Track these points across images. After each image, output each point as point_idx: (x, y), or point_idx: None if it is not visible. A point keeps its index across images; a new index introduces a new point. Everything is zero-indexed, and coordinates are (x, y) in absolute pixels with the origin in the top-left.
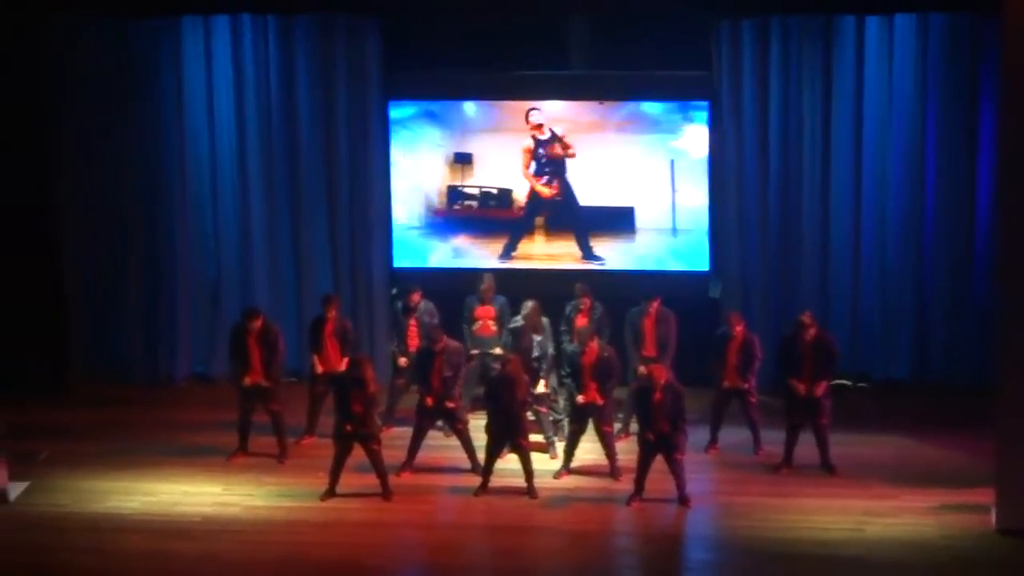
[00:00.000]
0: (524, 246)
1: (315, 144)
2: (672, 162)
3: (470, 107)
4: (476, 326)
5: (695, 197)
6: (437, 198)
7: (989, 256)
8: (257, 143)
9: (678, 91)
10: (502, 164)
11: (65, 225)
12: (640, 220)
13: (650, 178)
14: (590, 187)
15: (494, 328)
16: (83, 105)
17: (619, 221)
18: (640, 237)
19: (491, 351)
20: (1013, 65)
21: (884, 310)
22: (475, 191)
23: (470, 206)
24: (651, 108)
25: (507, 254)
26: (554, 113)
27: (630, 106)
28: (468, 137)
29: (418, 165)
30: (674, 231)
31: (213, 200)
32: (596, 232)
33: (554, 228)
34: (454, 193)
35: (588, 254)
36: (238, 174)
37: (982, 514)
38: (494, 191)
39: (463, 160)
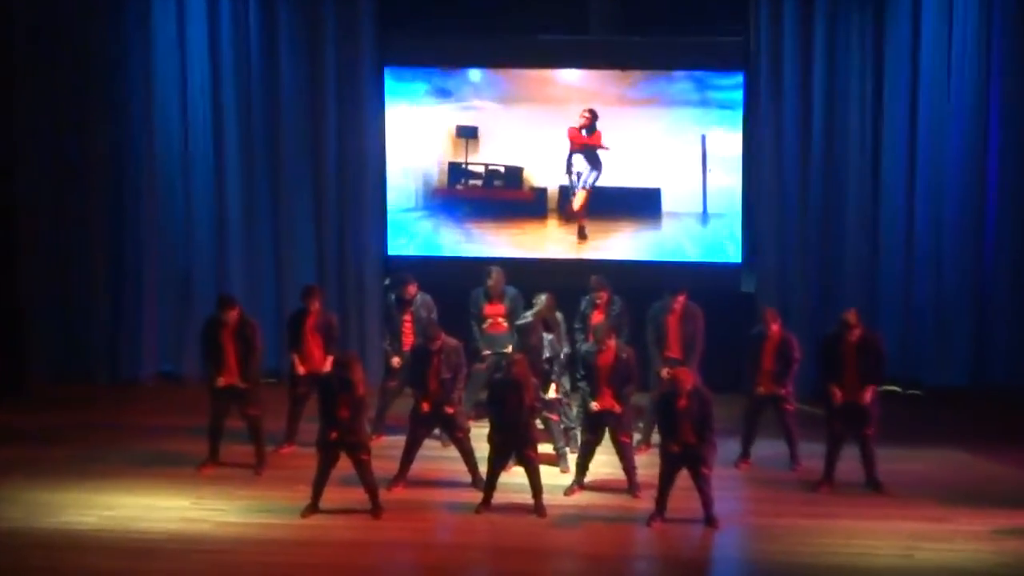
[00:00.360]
0: (535, 231)
1: (300, 117)
2: (703, 137)
3: (475, 75)
4: (486, 324)
5: (727, 179)
6: (437, 176)
7: None
8: (235, 115)
9: (710, 60)
10: (511, 139)
11: (22, 212)
12: (667, 203)
13: (678, 157)
14: (611, 167)
15: (506, 325)
16: (44, 78)
17: (643, 204)
18: (666, 222)
19: (504, 350)
20: None
21: (939, 308)
22: (480, 169)
23: (475, 186)
24: (679, 78)
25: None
26: (571, 83)
27: (656, 76)
28: (473, 109)
29: (416, 140)
30: (704, 216)
31: (184, 181)
32: (618, 216)
33: (567, 212)
34: (456, 171)
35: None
36: (213, 152)
37: None
38: (501, 169)
39: (467, 134)
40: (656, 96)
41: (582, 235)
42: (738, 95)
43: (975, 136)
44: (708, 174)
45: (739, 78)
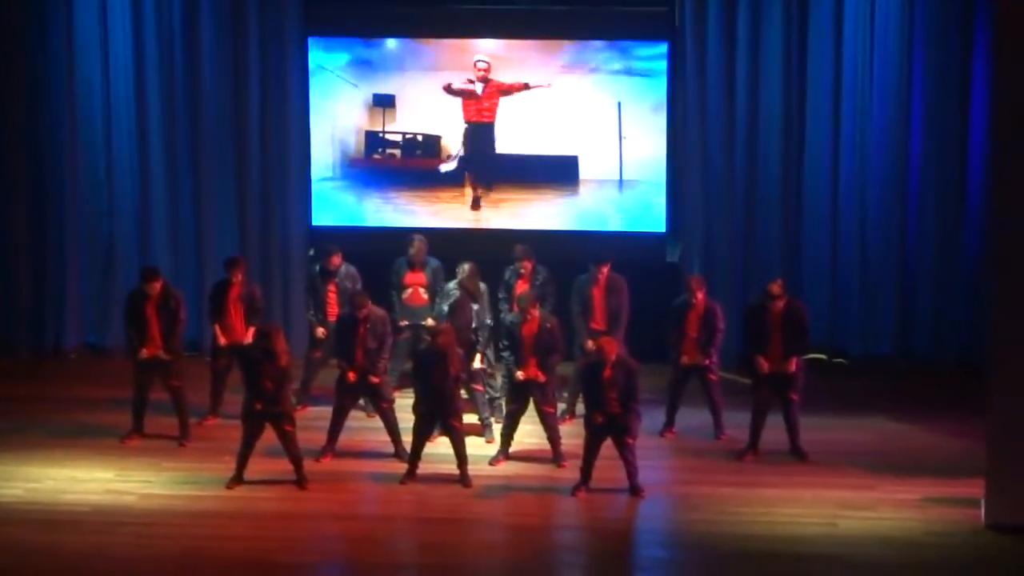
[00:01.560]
0: (455, 200)
1: (223, 87)
2: (619, 105)
3: (396, 44)
4: (406, 294)
5: (647, 148)
6: (354, 146)
7: (980, 221)
8: (157, 86)
9: (633, 29)
10: (430, 107)
11: None
12: (585, 171)
13: (597, 125)
14: (531, 135)
15: (425, 296)
16: None
17: (561, 172)
18: (584, 189)
19: (423, 322)
20: (1010, 13)
21: (864, 279)
22: (397, 138)
23: (392, 155)
24: (600, 48)
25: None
26: (492, 52)
27: (577, 45)
28: (390, 76)
29: (335, 110)
30: (620, 183)
31: (107, 150)
32: (536, 183)
33: (484, 180)
34: (373, 140)
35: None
36: (135, 123)
37: (970, 508)
38: (419, 138)
39: (384, 103)
40: (576, 64)
41: (476, 205)
42: (661, 65)
43: (898, 106)
44: (624, 142)
45: (663, 48)
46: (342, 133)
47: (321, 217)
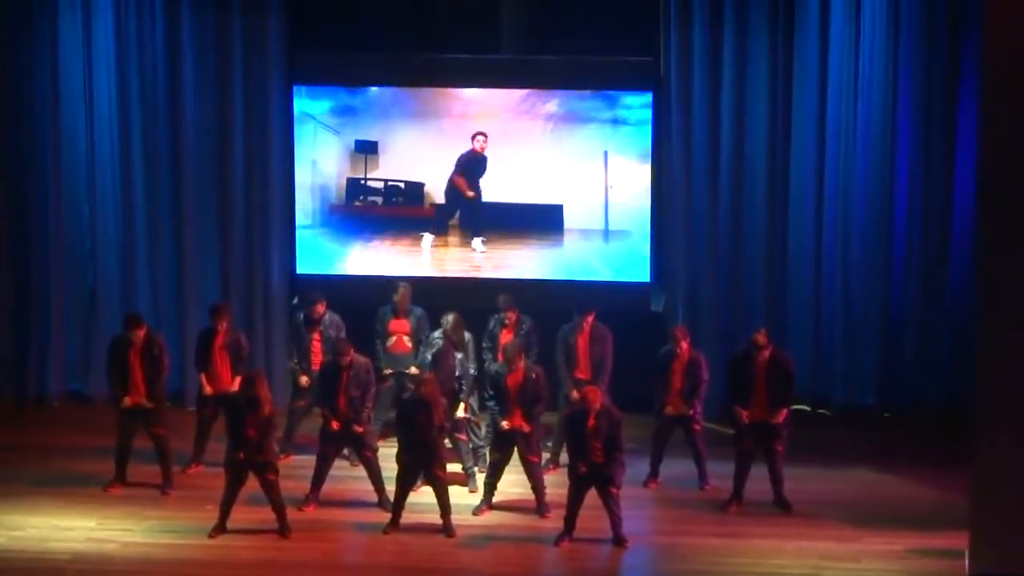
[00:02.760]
0: (438, 250)
1: (207, 133)
2: (605, 154)
3: (379, 91)
4: (390, 342)
5: (633, 198)
6: (335, 192)
7: (965, 269)
8: (140, 131)
9: (619, 79)
10: (412, 154)
11: None
12: (569, 220)
13: (583, 175)
14: (515, 183)
15: (410, 344)
16: None
17: (545, 221)
18: (569, 239)
19: (407, 370)
20: (996, 54)
21: (848, 328)
22: (379, 185)
23: (373, 202)
24: (586, 97)
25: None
26: (479, 101)
27: (562, 94)
28: (373, 124)
29: (318, 157)
30: (606, 234)
31: (90, 197)
32: (521, 232)
33: (469, 228)
34: (355, 187)
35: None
36: (120, 170)
37: (953, 559)
38: (401, 185)
39: (366, 149)
40: (563, 114)
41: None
42: (646, 114)
43: (882, 157)
44: (610, 191)
45: (648, 97)
46: (323, 180)
47: (302, 264)
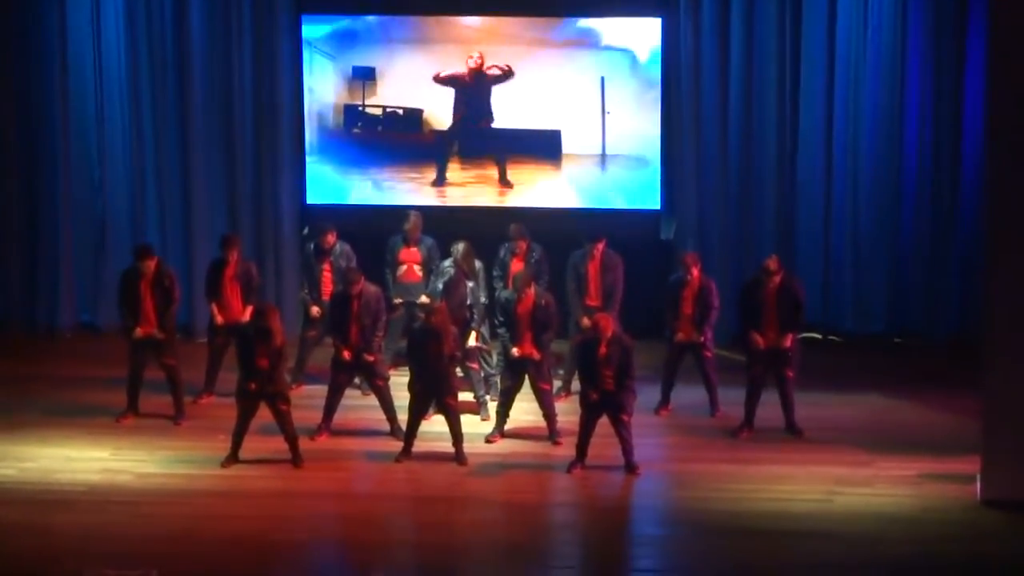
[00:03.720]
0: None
1: (214, 63)
2: (602, 79)
3: (382, 19)
4: (400, 271)
5: (644, 125)
6: (332, 119)
7: (974, 197)
8: (148, 63)
9: (626, 6)
10: (410, 81)
11: None
12: (576, 147)
13: (583, 100)
14: (521, 110)
15: (420, 273)
16: None
17: (549, 147)
18: (577, 165)
19: (417, 300)
20: None
21: (858, 255)
22: (378, 112)
23: (372, 129)
24: (590, 23)
25: (440, 182)
26: (487, 29)
27: (572, 23)
28: (372, 51)
29: (318, 84)
30: (613, 161)
31: (98, 127)
32: (520, 157)
33: (469, 155)
34: (352, 113)
35: (503, 179)
36: (128, 96)
37: (966, 484)
38: (400, 112)
39: (363, 75)
40: (573, 41)
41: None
42: (655, 41)
43: (891, 85)
44: (608, 117)
45: (657, 23)
46: (320, 107)
47: (319, 195)
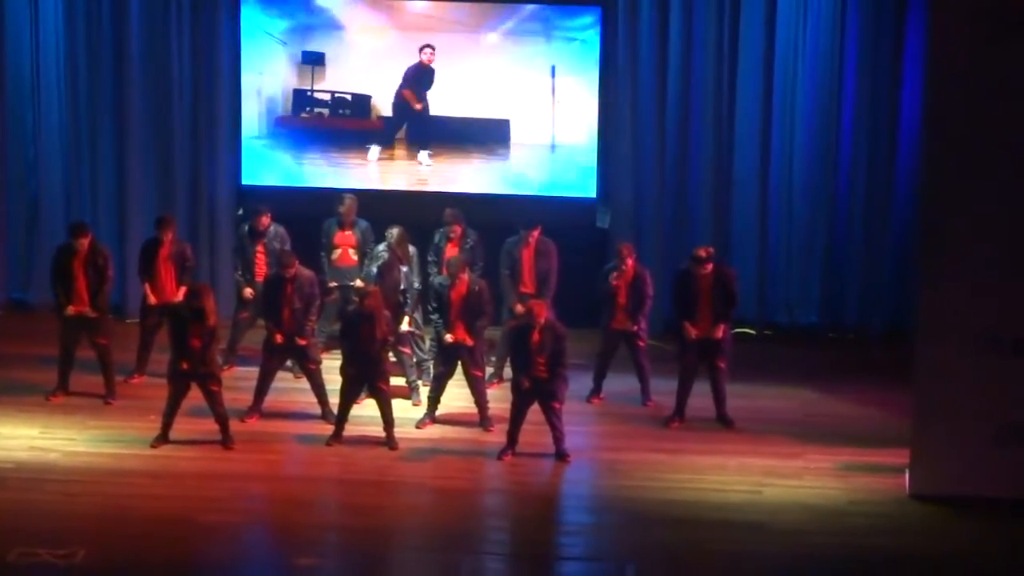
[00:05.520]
0: (384, 162)
1: (153, 42)
2: (553, 68)
3: (327, 2)
4: (335, 255)
5: (581, 114)
6: (282, 104)
7: (908, 191)
8: (85, 39)
9: None
10: (359, 67)
11: None
12: (516, 134)
13: (530, 90)
14: (463, 97)
15: (355, 257)
16: None
17: (492, 134)
18: (516, 153)
19: (351, 283)
20: None
21: (793, 248)
22: (326, 97)
23: (320, 114)
24: (533, 11)
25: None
26: (427, 14)
27: (512, 9)
28: (321, 35)
29: (263, 67)
30: (552, 148)
31: (34, 104)
32: (467, 146)
33: (415, 142)
34: (301, 98)
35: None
36: (64, 73)
37: (895, 476)
38: (348, 97)
39: (313, 60)
40: (509, 28)
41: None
42: (594, 30)
43: (828, 81)
44: (556, 106)
45: (595, 13)
46: (270, 91)
47: (248, 176)
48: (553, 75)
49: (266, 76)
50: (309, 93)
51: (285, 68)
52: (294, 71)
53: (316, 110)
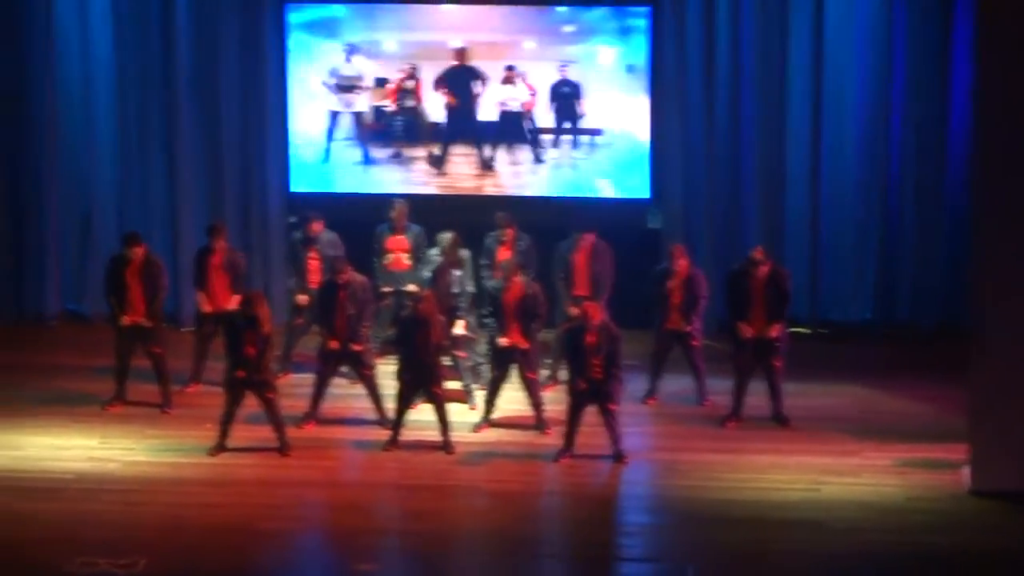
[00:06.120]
0: (434, 167)
1: (201, 51)
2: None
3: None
4: (388, 260)
5: (631, 115)
6: (329, 112)
7: (961, 187)
8: (135, 49)
9: None
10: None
11: None
12: (566, 137)
13: (582, 92)
14: (513, 101)
15: (407, 262)
16: None
17: (542, 136)
18: (565, 154)
19: (405, 288)
20: None
21: (845, 245)
22: (378, 103)
23: (371, 120)
24: (588, 15)
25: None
26: (478, 20)
27: (565, 11)
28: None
29: (305, 73)
30: (603, 148)
31: (86, 114)
32: (517, 148)
33: (466, 146)
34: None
35: (487, 164)
36: (115, 84)
37: (953, 473)
38: (397, 105)
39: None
40: (552, 26)
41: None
42: (642, 33)
43: (879, 75)
44: (607, 108)
45: (645, 15)
46: (312, 98)
47: (298, 183)
48: (604, 77)
49: (308, 82)
50: (381, 107)
51: (328, 73)
52: (336, 76)
53: (364, 116)
